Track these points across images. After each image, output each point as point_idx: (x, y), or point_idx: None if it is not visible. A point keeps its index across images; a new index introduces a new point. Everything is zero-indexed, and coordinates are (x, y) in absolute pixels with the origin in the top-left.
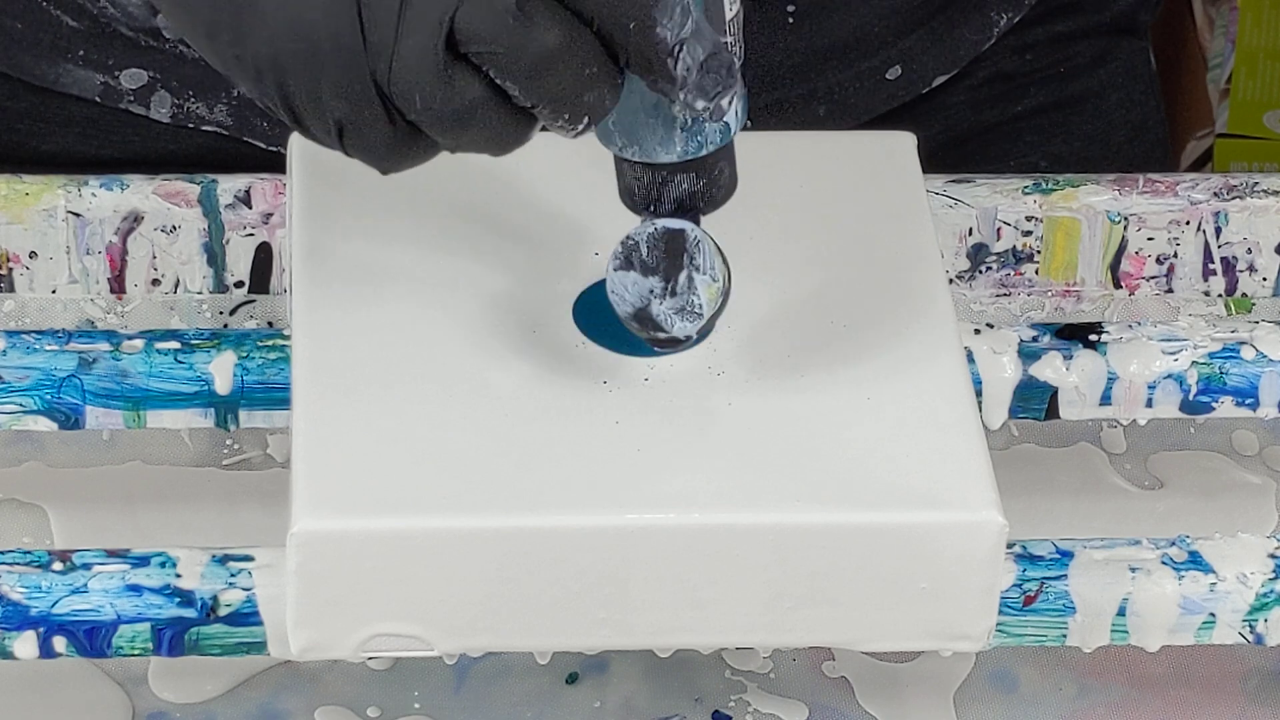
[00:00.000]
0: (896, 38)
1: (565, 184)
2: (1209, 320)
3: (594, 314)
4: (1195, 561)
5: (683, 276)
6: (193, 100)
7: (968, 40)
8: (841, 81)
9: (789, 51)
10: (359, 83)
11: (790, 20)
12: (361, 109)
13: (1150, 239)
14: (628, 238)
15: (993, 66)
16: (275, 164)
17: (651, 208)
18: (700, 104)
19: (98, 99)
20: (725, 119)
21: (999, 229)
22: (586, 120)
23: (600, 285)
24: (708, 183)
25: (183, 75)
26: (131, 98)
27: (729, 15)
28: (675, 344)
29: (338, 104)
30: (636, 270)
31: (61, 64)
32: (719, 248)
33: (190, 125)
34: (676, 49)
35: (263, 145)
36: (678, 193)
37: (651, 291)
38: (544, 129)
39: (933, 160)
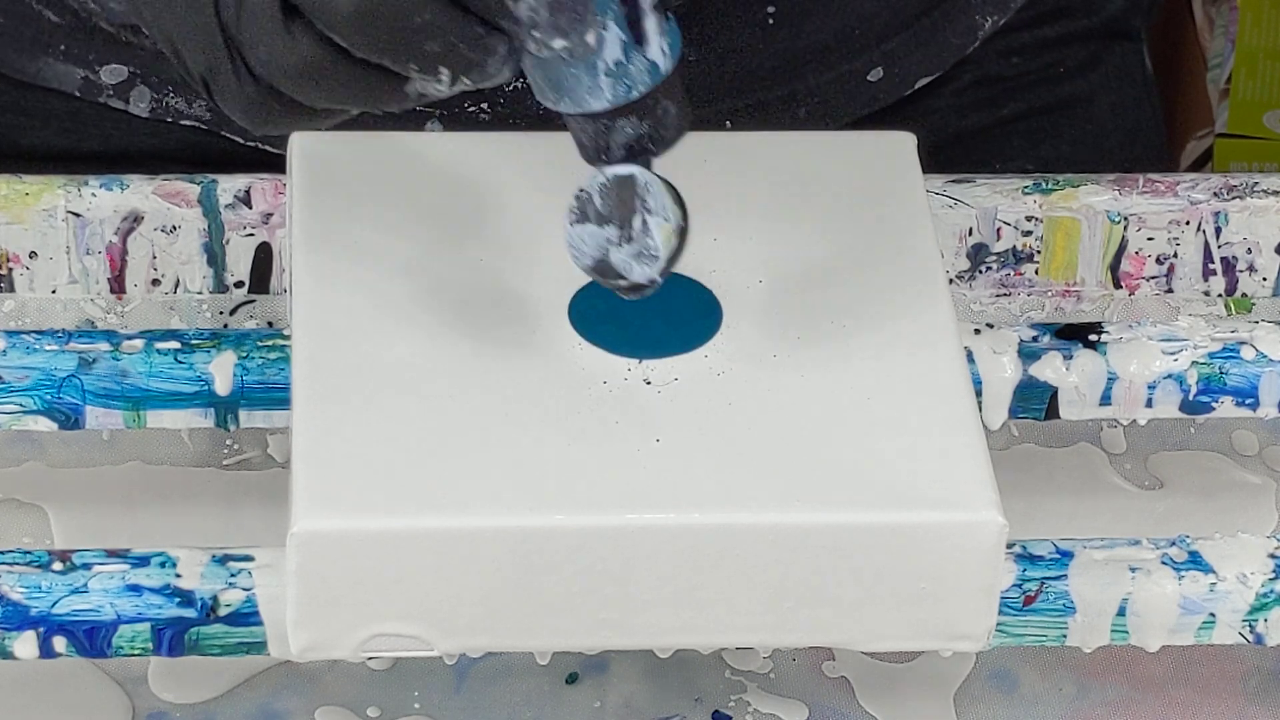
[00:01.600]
0: (879, 40)
1: (563, 185)
2: (1209, 320)
3: (591, 315)
4: (1195, 561)
5: (637, 221)
6: (172, 95)
7: (952, 43)
8: (823, 83)
9: (769, 53)
10: (213, 37)
11: (770, 21)
12: (218, 64)
13: (1150, 239)
14: (580, 190)
15: (979, 70)
16: (253, 159)
17: (602, 156)
18: (558, 43)
19: (78, 93)
20: (650, 58)
21: (999, 229)
22: (447, 72)
23: (595, 286)
24: (653, 123)
25: (161, 71)
26: (111, 92)
27: None
28: (640, 289)
29: (200, 59)
30: (592, 221)
31: (42, 58)
32: (671, 186)
33: (169, 120)
34: None
35: (240, 140)
36: (623, 138)
37: (608, 240)
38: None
39: (921, 163)
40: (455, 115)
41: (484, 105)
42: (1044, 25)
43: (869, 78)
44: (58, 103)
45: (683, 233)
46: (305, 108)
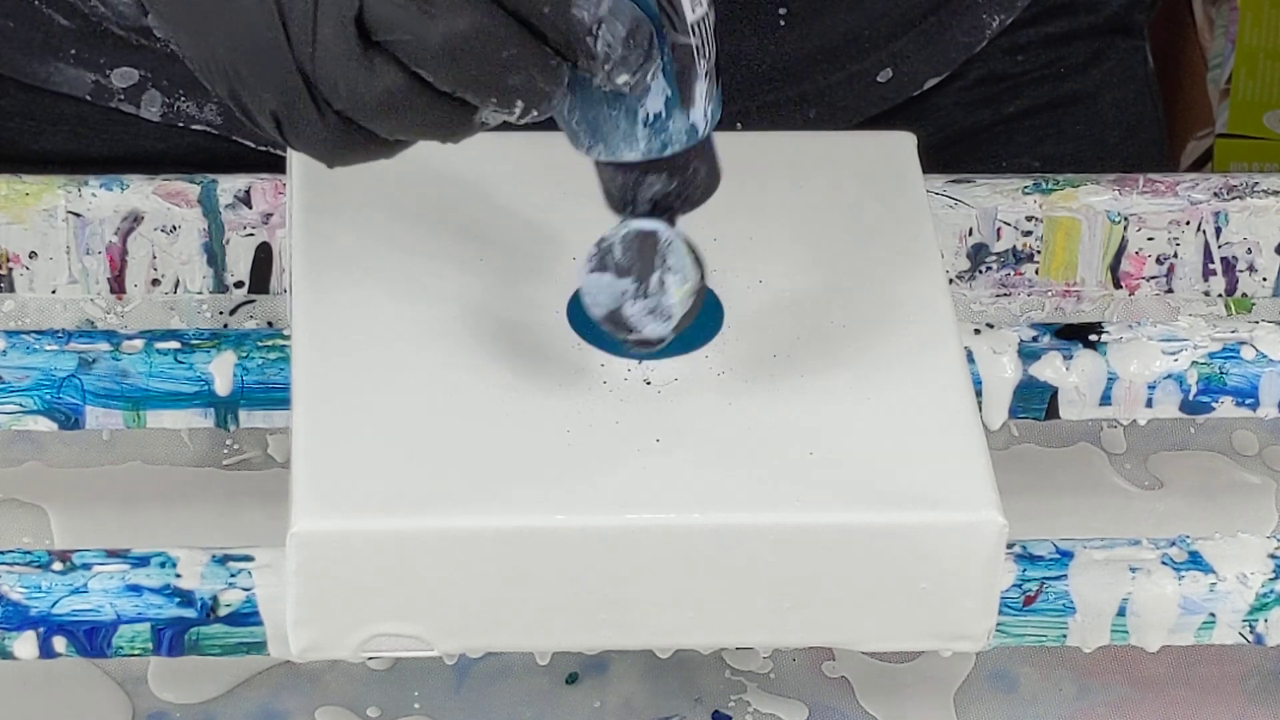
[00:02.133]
0: (888, 40)
1: (563, 186)
2: (1209, 320)
3: (588, 315)
4: (1195, 561)
5: (654, 278)
6: (183, 99)
7: (959, 42)
8: (833, 84)
9: (780, 54)
10: (288, 74)
11: (782, 23)
12: (293, 100)
13: (1150, 239)
14: (602, 239)
15: (984, 68)
16: (265, 163)
17: (628, 208)
18: (623, 78)
19: (88, 97)
20: (692, 120)
21: (999, 229)
22: (521, 105)
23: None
24: (681, 183)
25: (173, 74)
26: (122, 96)
27: (691, 18)
28: (649, 345)
29: (270, 97)
30: (610, 272)
31: (53, 63)
32: (693, 248)
33: (180, 124)
34: (595, 27)
35: (252, 145)
36: (650, 193)
37: (624, 293)
38: (516, 123)
39: (924, 162)
40: None
41: None
42: (1048, 22)
43: (878, 78)
44: (66, 107)
45: (699, 294)
46: (380, 139)
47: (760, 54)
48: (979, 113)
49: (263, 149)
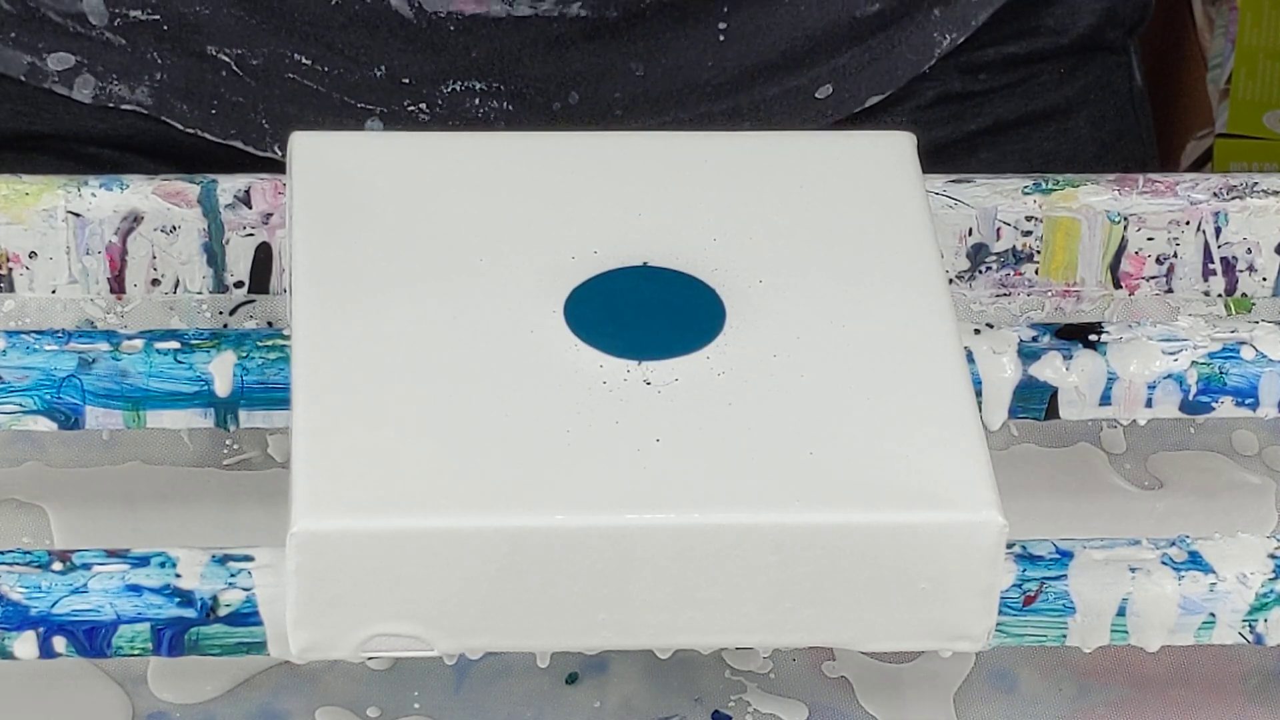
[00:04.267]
0: (829, 56)
1: (564, 185)
2: (1209, 320)
3: (587, 315)
4: (1195, 561)
5: None
6: (115, 82)
7: (907, 60)
8: (768, 98)
9: (718, 69)
10: None
11: (721, 38)
12: None
13: (1150, 239)
14: None
15: (942, 87)
16: (194, 144)
17: None
18: None
19: (23, 78)
20: None
21: (999, 229)
22: None
23: (589, 285)
24: None
25: (108, 60)
26: (56, 79)
27: None
28: None
29: None
30: None
31: None
32: None
33: (111, 105)
34: None
35: (179, 126)
36: None
37: None
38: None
39: None
40: (394, 114)
41: (423, 105)
42: (1009, 43)
43: (816, 94)
44: (10, 86)
45: None
46: None
47: (697, 67)
48: (938, 130)
49: (190, 131)
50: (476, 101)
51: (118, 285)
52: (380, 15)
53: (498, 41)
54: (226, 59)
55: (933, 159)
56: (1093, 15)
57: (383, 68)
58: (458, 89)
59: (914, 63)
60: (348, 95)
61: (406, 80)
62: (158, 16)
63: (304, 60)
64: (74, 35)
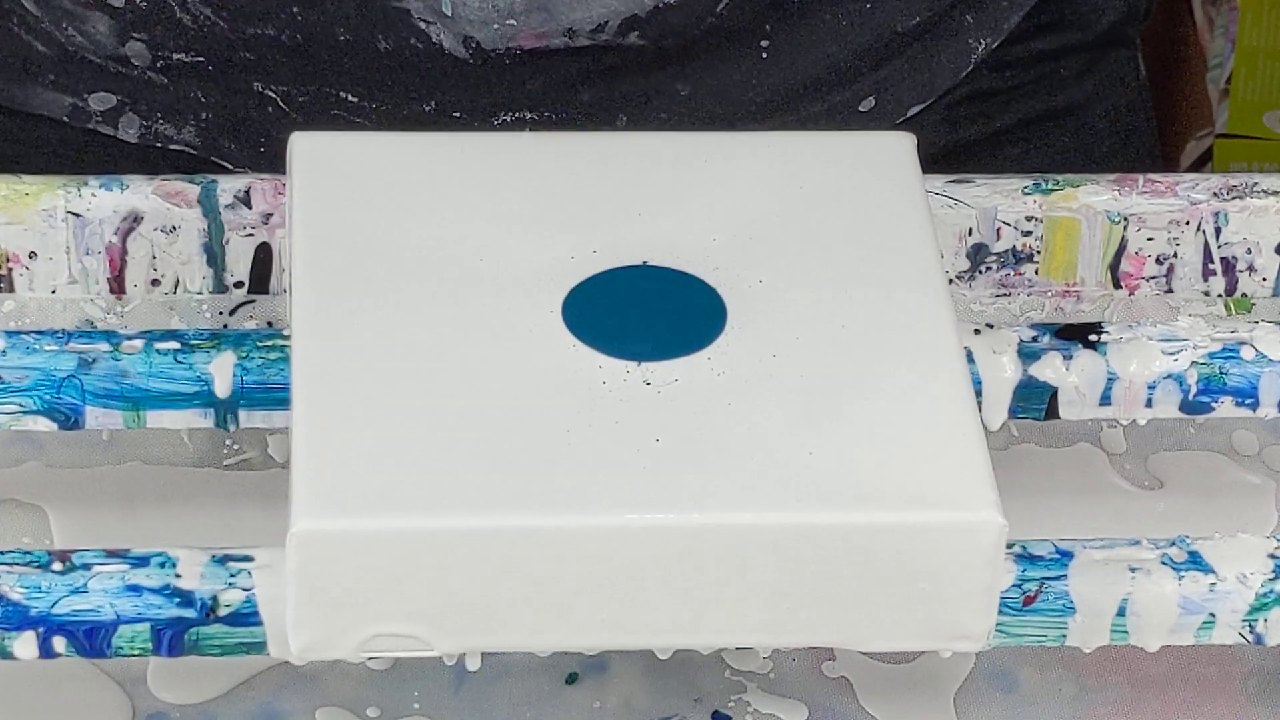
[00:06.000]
0: (871, 69)
1: (564, 185)
2: (1209, 320)
3: (585, 315)
4: (1195, 561)
5: None
6: (160, 121)
7: (945, 68)
8: (814, 115)
9: (762, 88)
10: None
11: (764, 55)
12: None
13: (1150, 239)
14: None
15: (971, 86)
16: None
17: None
18: None
19: (66, 119)
20: None
21: (999, 229)
22: None
23: (587, 285)
24: None
25: (151, 99)
26: (100, 118)
27: None
28: None
29: None
30: None
31: (31, 87)
32: None
33: (158, 145)
34: None
35: (229, 166)
36: None
37: None
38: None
39: None
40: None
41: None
42: (1037, 39)
43: (860, 108)
44: (49, 130)
45: None
46: None
47: (742, 87)
48: (966, 129)
49: (241, 170)
50: (527, 130)
51: (118, 285)
52: (434, 57)
53: (554, 73)
54: (274, 95)
55: (961, 157)
56: (1115, 11)
57: (432, 103)
58: (509, 120)
59: (952, 70)
60: (398, 129)
61: (458, 114)
62: (202, 58)
63: (351, 98)
64: (115, 75)
